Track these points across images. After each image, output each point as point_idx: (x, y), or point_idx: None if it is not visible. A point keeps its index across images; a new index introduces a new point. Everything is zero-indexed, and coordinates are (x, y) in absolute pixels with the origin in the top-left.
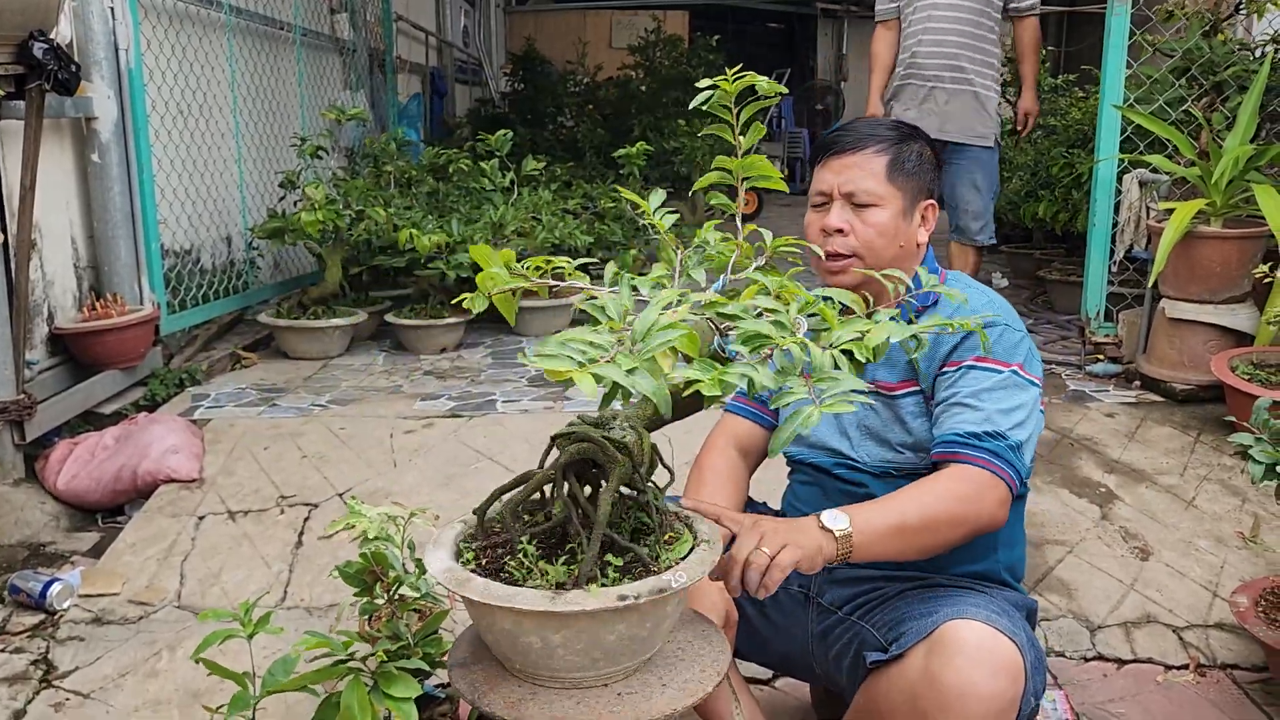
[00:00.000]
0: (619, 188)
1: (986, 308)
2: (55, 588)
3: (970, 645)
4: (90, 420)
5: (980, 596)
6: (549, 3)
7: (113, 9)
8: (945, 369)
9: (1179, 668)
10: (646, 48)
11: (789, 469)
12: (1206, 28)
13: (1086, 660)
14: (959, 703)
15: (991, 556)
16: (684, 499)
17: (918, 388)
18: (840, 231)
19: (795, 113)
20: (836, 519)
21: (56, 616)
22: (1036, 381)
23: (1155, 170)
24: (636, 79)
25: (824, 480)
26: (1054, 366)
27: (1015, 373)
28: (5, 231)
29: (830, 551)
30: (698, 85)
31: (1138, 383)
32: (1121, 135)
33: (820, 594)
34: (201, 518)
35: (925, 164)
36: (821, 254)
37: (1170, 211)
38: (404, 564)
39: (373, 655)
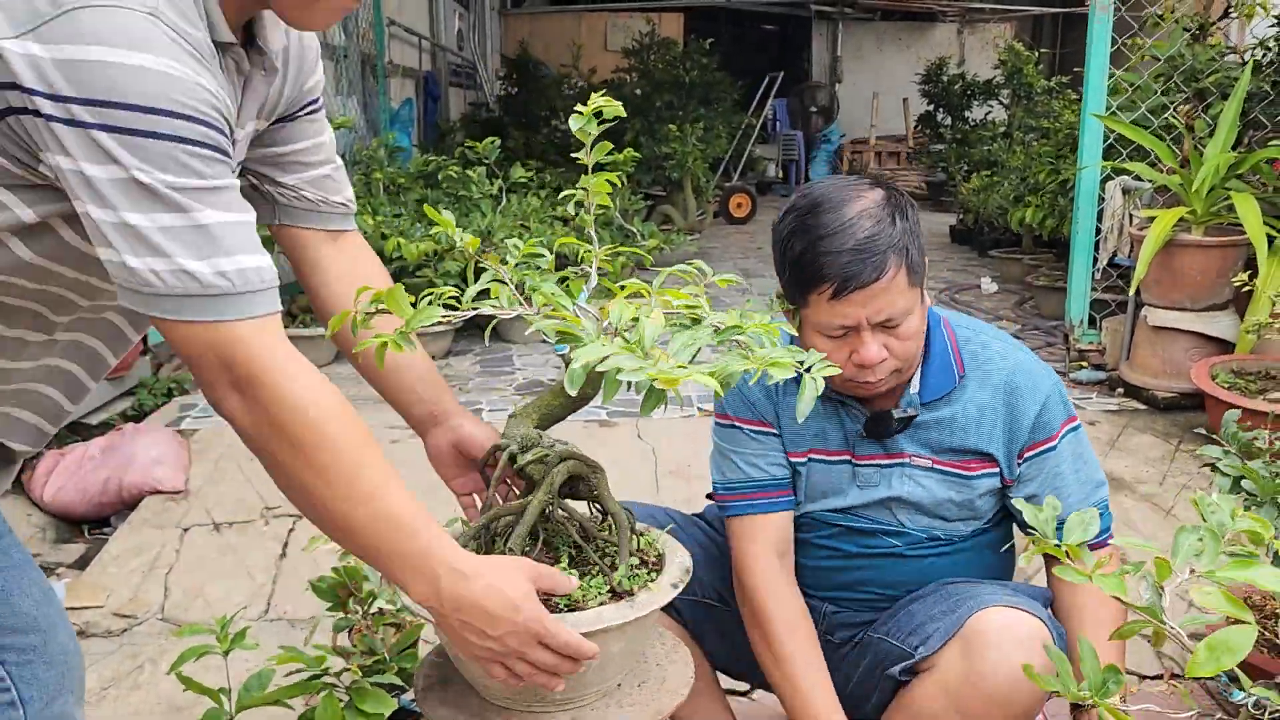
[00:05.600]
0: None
1: (1034, 368)
2: None
3: (1005, 632)
4: (77, 430)
5: (996, 586)
6: (544, 5)
7: None
8: (1028, 454)
9: (1153, 678)
10: (641, 51)
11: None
12: (1195, 30)
13: None
14: (1010, 692)
15: (997, 565)
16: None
17: (996, 470)
18: (882, 362)
19: (789, 114)
20: None
21: None
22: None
23: (1138, 178)
24: (630, 82)
25: (860, 540)
26: None
27: (1076, 420)
28: None
29: None
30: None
31: (1121, 390)
32: (1105, 142)
33: (832, 632)
34: (186, 529)
35: (919, 232)
36: (844, 378)
37: (1152, 219)
38: (381, 577)
39: (347, 670)
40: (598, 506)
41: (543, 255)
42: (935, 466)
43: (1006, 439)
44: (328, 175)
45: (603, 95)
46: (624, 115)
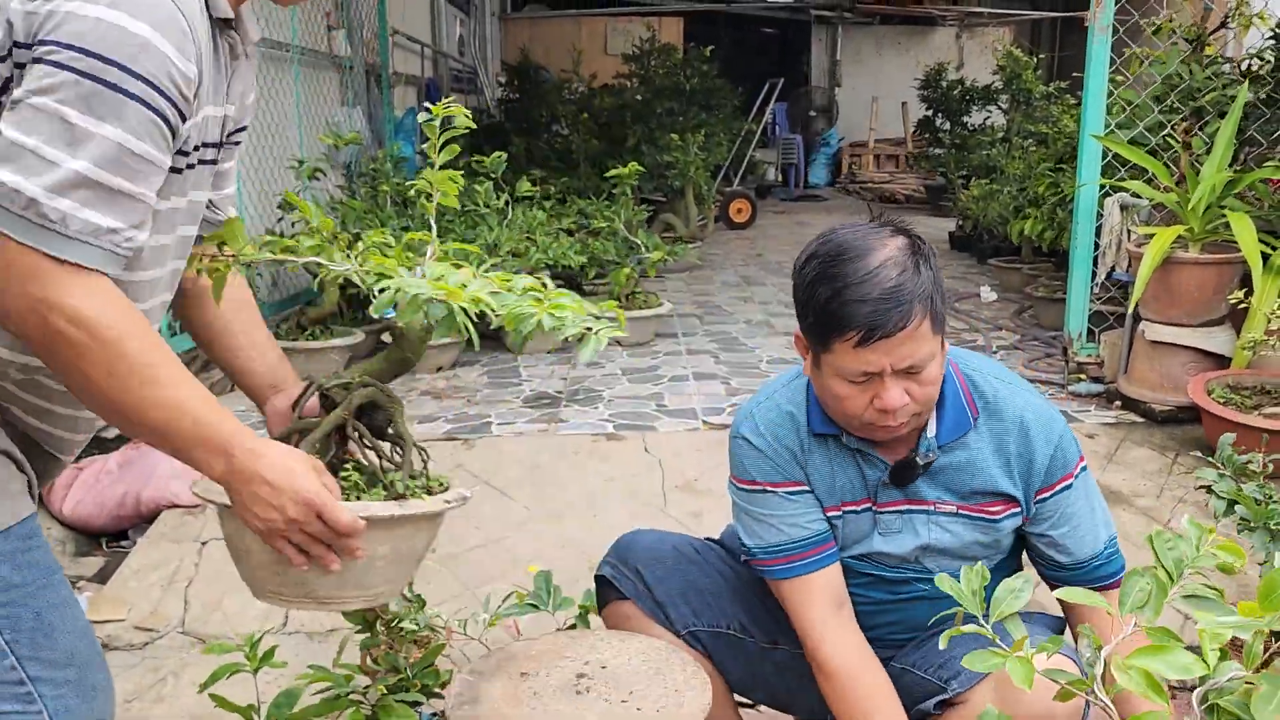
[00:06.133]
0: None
1: (1045, 407)
2: None
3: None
4: (94, 444)
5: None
6: (544, 10)
7: None
8: (1057, 487)
9: None
10: (641, 57)
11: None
12: (1193, 41)
13: None
14: None
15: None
16: None
17: (1018, 509)
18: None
19: (789, 118)
20: None
21: None
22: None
23: (1136, 195)
24: (631, 88)
25: (890, 588)
26: (1038, 385)
27: (1084, 466)
28: None
29: None
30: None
31: (1118, 403)
32: (1103, 160)
33: None
34: (204, 543)
35: (940, 281)
36: (863, 421)
37: (1150, 236)
38: (402, 595)
39: (371, 687)
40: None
41: (390, 244)
42: (960, 512)
43: (1024, 480)
44: (230, 195)
45: (604, 100)
46: (473, 126)
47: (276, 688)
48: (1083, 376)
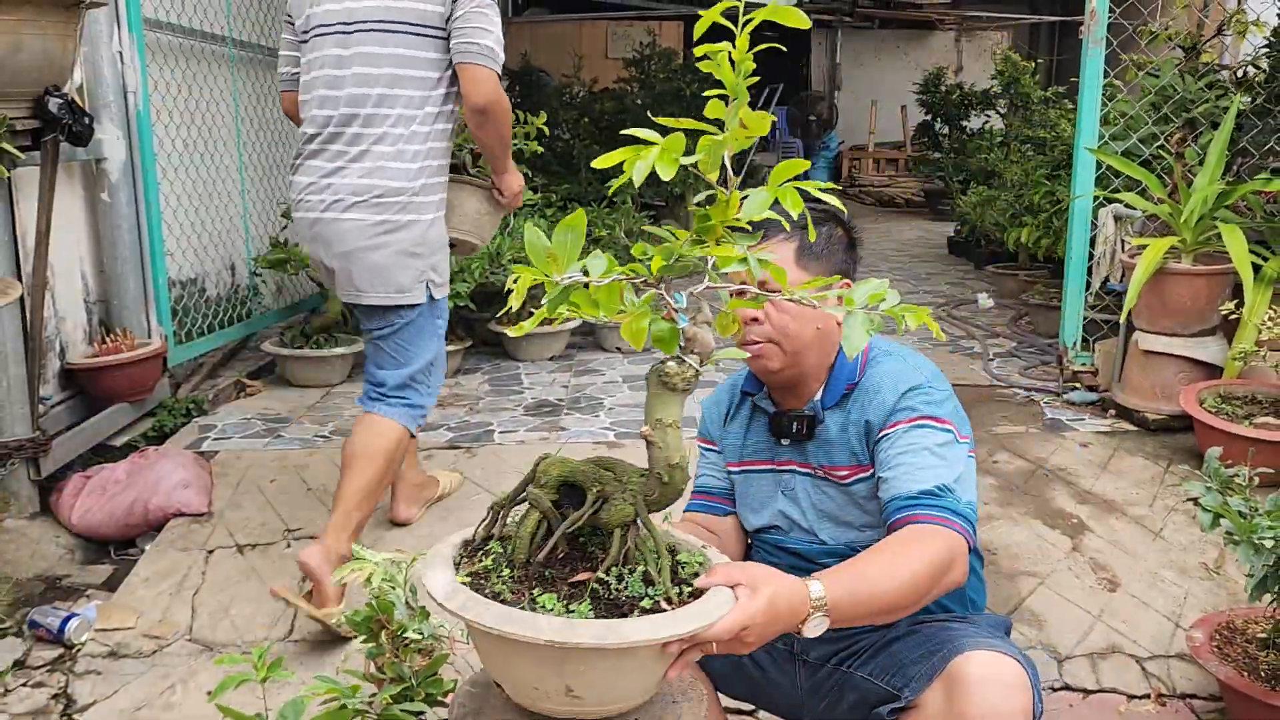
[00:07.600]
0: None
1: (913, 374)
2: (73, 623)
3: (984, 674)
4: (101, 453)
5: (968, 625)
6: (545, 13)
7: (121, 54)
8: (884, 433)
9: (1140, 697)
10: (641, 61)
11: (749, 542)
12: (1188, 49)
13: (1054, 690)
14: None
15: (957, 591)
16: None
17: (870, 472)
18: (755, 320)
19: (789, 122)
20: (814, 586)
21: (74, 650)
22: (967, 440)
23: (1130, 206)
24: (631, 92)
25: (793, 560)
26: (1033, 394)
27: (948, 429)
28: (20, 275)
29: (801, 623)
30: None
31: (1113, 411)
32: (1098, 171)
33: (805, 652)
34: (211, 551)
35: (835, 244)
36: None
37: (1143, 247)
38: (406, 604)
39: (376, 697)
40: None
41: None
42: (825, 475)
43: (868, 438)
44: None
45: (605, 104)
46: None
47: (283, 697)
48: (1078, 385)
